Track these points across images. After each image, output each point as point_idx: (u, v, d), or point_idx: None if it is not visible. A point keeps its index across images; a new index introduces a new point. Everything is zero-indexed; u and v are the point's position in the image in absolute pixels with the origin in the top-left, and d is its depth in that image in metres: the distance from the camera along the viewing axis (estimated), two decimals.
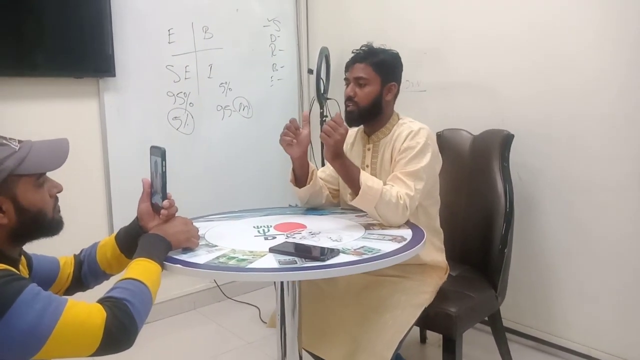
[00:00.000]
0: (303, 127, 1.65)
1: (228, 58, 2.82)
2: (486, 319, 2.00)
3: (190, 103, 2.71)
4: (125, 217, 1.42)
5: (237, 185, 2.90)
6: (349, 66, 1.74)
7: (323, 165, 2.62)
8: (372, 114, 1.73)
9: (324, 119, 2.95)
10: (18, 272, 0.98)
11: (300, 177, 1.73)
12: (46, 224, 1.06)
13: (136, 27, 2.49)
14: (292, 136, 1.64)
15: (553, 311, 2.23)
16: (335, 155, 1.55)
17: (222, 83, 2.82)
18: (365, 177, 1.55)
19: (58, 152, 1.06)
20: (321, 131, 1.55)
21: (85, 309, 0.95)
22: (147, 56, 2.54)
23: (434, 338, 2.34)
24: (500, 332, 2.04)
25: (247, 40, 2.91)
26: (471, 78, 2.38)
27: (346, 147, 1.83)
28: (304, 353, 1.57)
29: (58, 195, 1.11)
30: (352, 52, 1.75)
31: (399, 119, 1.77)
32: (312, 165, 1.75)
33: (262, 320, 2.67)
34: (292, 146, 1.64)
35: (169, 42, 2.61)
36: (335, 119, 1.54)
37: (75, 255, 1.33)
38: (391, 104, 1.76)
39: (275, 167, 2.97)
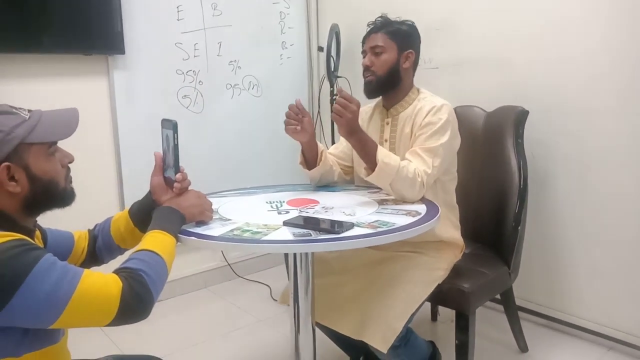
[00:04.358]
0: (303, 116, 1.62)
1: (237, 36, 2.79)
2: (499, 297, 1.99)
3: (200, 81, 2.69)
4: (135, 192, 1.42)
5: (246, 163, 2.89)
6: (365, 38, 1.73)
7: (333, 143, 2.60)
8: (390, 84, 1.70)
9: (335, 97, 2.92)
10: (33, 242, 0.97)
11: (310, 159, 1.73)
12: (58, 193, 1.05)
13: (145, 4, 2.46)
14: (295, 123, 1.62)
15: (565, 289, 2.22)
16: (351, 131, 1.52)
17: (231, 61, 2.80)
18: (382, 154, 1.52)
19: (68, 121, 1.06)
20: (332, 111, 1.52)
21: (101, 279, 0.95)
22: (156, 33, 2.51)
23: (446, 316, 2.34)
24: (512, 310, 2.04)
25: (256, 18, 2.87)
26: (484, 54, 2.34)
27: (362, 122, 1.81)
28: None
29: (70, 168, 1.10)
30: (368, 25, 1.73)
31: (419, 93, 1.74)
32: (321, 145, 1.74)
33: (273, 298, 2.68)
34: (298, 133, 1.63)
35: (178, 20, 2.58)
36: (345, 96, 1.49)
37: (89, 230, 1.33)
38: (409, 73, 1.73)
39: (284, 145, 2.92)
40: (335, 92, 2.90)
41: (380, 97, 1.78)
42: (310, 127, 1.65)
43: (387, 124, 1.76)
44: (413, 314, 1.54)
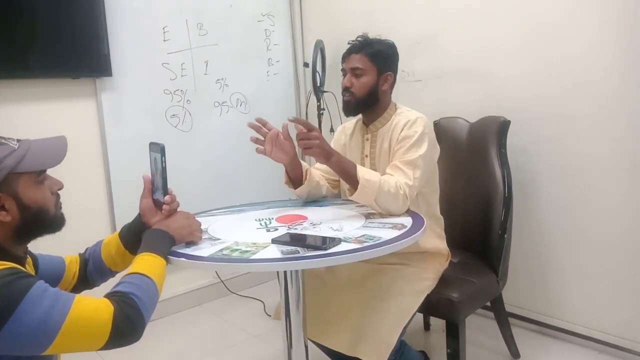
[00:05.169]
0: (285, 139, 1.64)
1: (223, 54, 2.83)
2: (488, 304, 2.02)
3: (188, 100, 2.72)
4: (126, 214, 1.43)
5: (236, 181, 2.91)
6: (345, 57, 1.76)
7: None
8: (368, 104, 1.74)
9: (322, 112, 2.96)
10: (25, 270, 0.99)
11: (295, 178, 1.74)
12: (48, 220, 1.07)
13: (131, 26, 2.49)
14: (259, 141, 1.63)
15: (554, 294, 2.25)
16: (326, 155, 1.55)
17: (218, 79, 2.83)
18: (362, 172, 1.55)
19: (56, 150, 1.08)
20: (300, 146, 1.54)
21: (92, 304, 0.97)
22: (143, 55, 2.54)
23: (438, 325, 2.36)
24: (502, 317, 2.06)
25: (241, 36, 2.91)
26: (465, 65, 2.39)
27: (345, 138, 1.84)
28: (309, 343, 1.59)
29: (60, 193, 1.12)
30: (348, 43, 1.76)
31: (396, 109, 1.78)
32: (305, 164, 1.75)
33: (266, 313, 2.69)
34: (277, 154, 1.65)
35: (164, 40, 2.61)
36: (301, 123, 1.53)
37: (80, 254, 1.34)
38: (388, 93, 1.77)
39: (273, 161, 2.98)
40: (323, 107, 2.94)
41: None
42: (291, 151, 1.66)
43: (367, 140, 1.79)
44: (405, 327, 1.56)
